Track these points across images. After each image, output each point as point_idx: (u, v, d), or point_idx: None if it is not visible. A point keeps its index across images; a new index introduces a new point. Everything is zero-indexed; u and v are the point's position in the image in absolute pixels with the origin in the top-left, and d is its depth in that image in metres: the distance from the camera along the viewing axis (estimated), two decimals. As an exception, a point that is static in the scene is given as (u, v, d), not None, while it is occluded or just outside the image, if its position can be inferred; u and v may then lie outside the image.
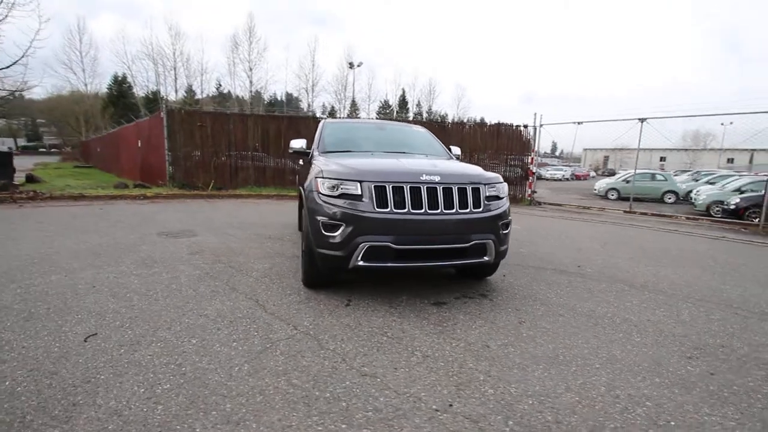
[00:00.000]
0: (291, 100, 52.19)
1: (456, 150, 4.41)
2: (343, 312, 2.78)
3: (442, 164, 3.25)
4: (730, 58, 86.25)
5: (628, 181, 15.82)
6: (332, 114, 39.31)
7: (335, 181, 2.82)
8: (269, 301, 2.96)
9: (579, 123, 11.52)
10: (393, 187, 2.74)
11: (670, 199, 15.96)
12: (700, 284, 3.85)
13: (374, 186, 2.74)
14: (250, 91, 40.31)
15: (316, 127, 4.59)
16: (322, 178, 2.88)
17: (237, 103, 38.94)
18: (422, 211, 2.74)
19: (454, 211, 2.81)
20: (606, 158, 52.88)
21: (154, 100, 32.05)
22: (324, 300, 2.99)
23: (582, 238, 6.32)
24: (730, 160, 39.87)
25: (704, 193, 12.94)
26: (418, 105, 52.84)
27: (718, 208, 11.36)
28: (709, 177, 17.36)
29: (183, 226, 6.01)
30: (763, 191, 10.67)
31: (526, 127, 12.34)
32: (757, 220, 9.43)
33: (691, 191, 14.94)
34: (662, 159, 45.64)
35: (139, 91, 38.48)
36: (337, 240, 2.73)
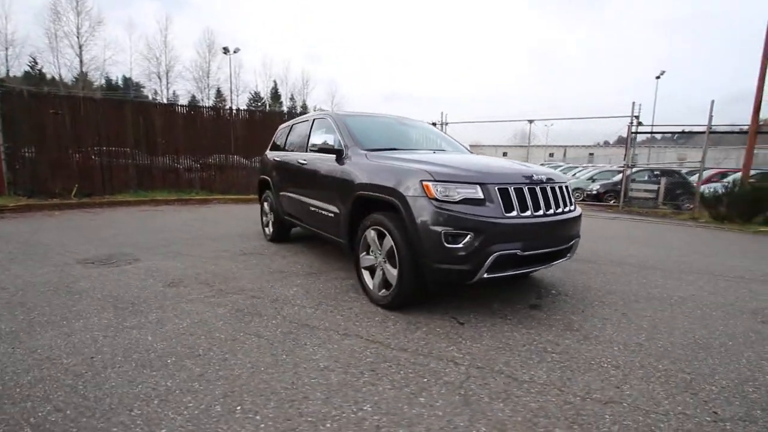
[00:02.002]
0: (131, 86, 44.16)
1: (467, 146, 4.36)
2: (470, 333, 2.45)
3: (520, 164, 3.14)
4: (547, 68, 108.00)
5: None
6: (195, 103, 34.62)
7: (453, 185, 2.44)
8: (370, 332, 2.40)
9: (483, 122, 12.77)
10: (515, 189, 2.52)
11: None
12: (670, 260, 4.70)
13: (498, 188, 2.47)
14: (82, 72, 32.42)
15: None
16: (435, 181, 2.46)
17: (62, 87, 30.88)
18: (542, 213, 2.60)
19: (562, 210, 2.75)
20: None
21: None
22: (427, 322, 2.59)
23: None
24: (551, 155, 50.04)
25: (564, 181, 15.97)
26: (292, 99, 50.95)
27: (577, 194, 14.15)
28: (558, 169, 21.49)
29: (99, 248, 4.47)
30: (612, 178, 13.76)
31: (435, 125, 13.09)
32: (612, 201, 12.12)
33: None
34: (505, 154, 54.52)
35: None
36: (463, 252, 2.37)
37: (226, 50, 31.59)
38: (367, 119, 3.95)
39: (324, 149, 3.39)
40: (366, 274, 3.00)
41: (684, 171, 12.79)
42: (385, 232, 2.71)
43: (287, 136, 4.83)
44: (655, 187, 11.27)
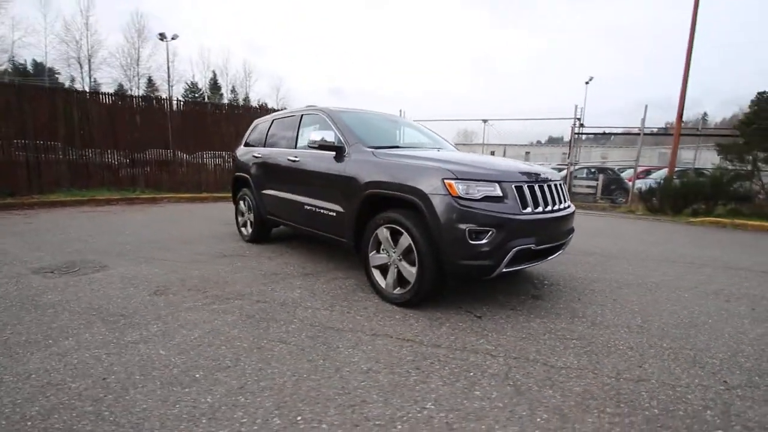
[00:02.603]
0: (44, 71, 39.30)
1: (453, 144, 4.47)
2: (491, 326, 2.53)
3: (522, 162, 3.28)
4: (489, 71, 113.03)
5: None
6: (122, 92, 31.56)
7: (474, 183, 2.50)
8: (397, 331, 2.39)
9: (442, 120, 13.13)
10: (527, 186, 2.65)
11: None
12: (629, 250, 5.20)
13: (515, 186, 2.57)
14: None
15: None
16: (457, 179, 2.49)
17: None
18: (549, 209, 2.75)
19: (562, 206, 2.93)
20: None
21: None
22: (446, 318, 2.63)
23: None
24: (492, 153, 52.78)
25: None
26: (233, 91, 48.41)
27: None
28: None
29: (53, 255, 3.97)
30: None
31: (394, 122, 13.21)
32: (558, 196, 13.06)
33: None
34: (450, 151, 56.51)
35: None
36: (486, 248, 2.45)
37: (162, 36, 29.08)
38: (361, 115, 3.89)
39: (324, 146, 3.29)
40: (376, 273, 2.97)
41: (617, 168, 14.16)
42: (401, 231, 2.70)
43: (267, 131, 4.60)
44: (594, 183, 12.37)
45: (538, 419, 1.62)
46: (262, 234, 4.72)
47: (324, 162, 3.44)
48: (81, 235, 5.02)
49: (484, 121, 12.82)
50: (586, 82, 28.97)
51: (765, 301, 3.12)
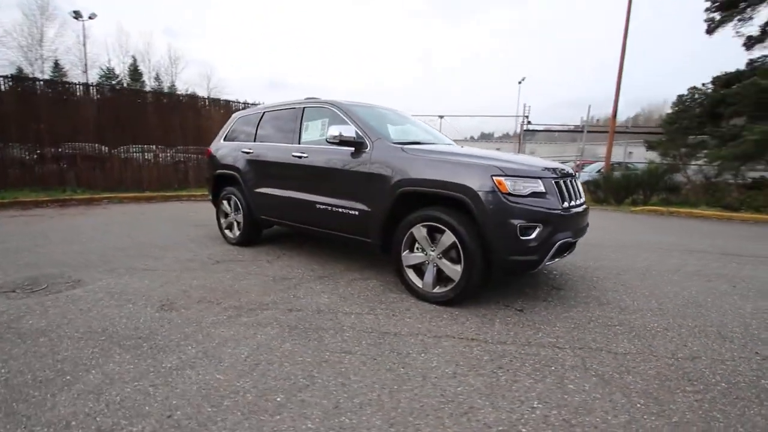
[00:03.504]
0: None
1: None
2: (538, 318, 2.60)
3: (543, 160, 3.37)
4: (434, 67, 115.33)
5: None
6: (22, 75, 27.35)
7: (521, 179, 2.53)
8: (457, 331, 2.36)
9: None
10: (562, 182, 2.74)
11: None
12: (605, 238, 5.65)
13: (553, 182, 2.65)
14: None
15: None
16: (506, 176, 2.50)
17: None
18: (575, 203, 2.88)
19: (583, 200, 3.09)
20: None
21: None
22: (491, 314, 2.65)
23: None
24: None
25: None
26: (158, 78, 44.22)
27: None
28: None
29: (5, 272, 3.33)
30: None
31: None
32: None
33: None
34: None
35: None
36: (534, 243, 2.49)
37: (77, 15, 25.46)
38: (373, 109, 3.74)
39: (345, 142, 3.12)
40: (410, 273, 2.90)
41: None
42: (442, 228, 2.66)
43: (257, 125, 4.25)
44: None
45: (638, 405, 1.70)
46: (253, 236, 4.37)
47: (339, 158, 3.26)
48: (25, 244, 4.26)
49: (440, 116, 13.10)
50: (519, 82, 30.99)
51: (738, 279, 3.58)
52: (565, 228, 2.65)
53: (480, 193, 2.50)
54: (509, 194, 2.48)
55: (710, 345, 2.27)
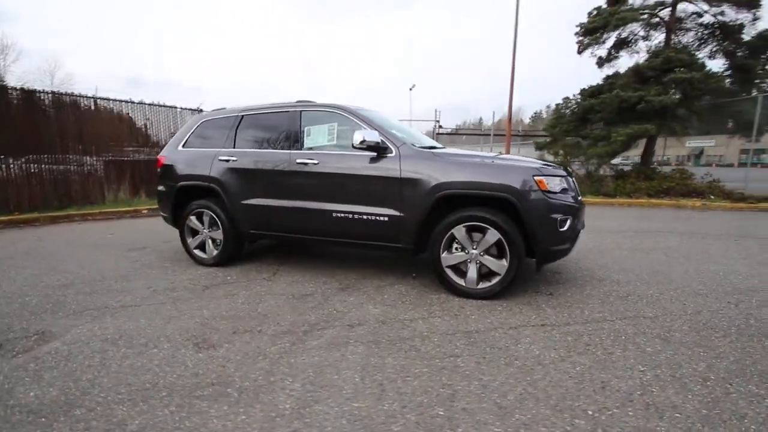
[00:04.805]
0: None
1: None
2: (573, 300, 2.92)
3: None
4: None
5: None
6: None
7: (554, 178, 2.83)
8: (522, 321, 2.54)
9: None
10: (571, 179, 3.14)
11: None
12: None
13: (568, 179, 3.03)
14: None
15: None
16: (543, 176, 2.77)
17: None
18: (580, 197, 3.32)
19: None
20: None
21: None
22: (535, 300, 2.91)
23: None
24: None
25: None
26: (-23, 71, 34.85)
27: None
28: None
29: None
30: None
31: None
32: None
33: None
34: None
35: None
36: (568, 233, 2.83)
37: None
38: (380, 114, 3.69)
39: (372, 147, 3.05)
40: (450, 272, 2.99)
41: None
42: (485, 227, 2.83)
43: (235, 130, 3.81)
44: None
45: (700, 353, 2.11)
46: (235, 254, 3.91)
47: (361, 164, 3.17)
48: None
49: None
50: (410, 89, 33.01)
51: (665, 250, 4.54)
52: (580, 219, 3.06)
53: (525, 192, 2.74)
54: (548, 191, 2.76)
55: (698, 301, 2.89)
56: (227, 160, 3.70)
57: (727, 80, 10.37)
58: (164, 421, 1.59)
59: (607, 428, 1.54)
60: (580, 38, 11.66)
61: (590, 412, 1.63)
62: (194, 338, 2.36)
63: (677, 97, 9.60)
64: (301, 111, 3.55)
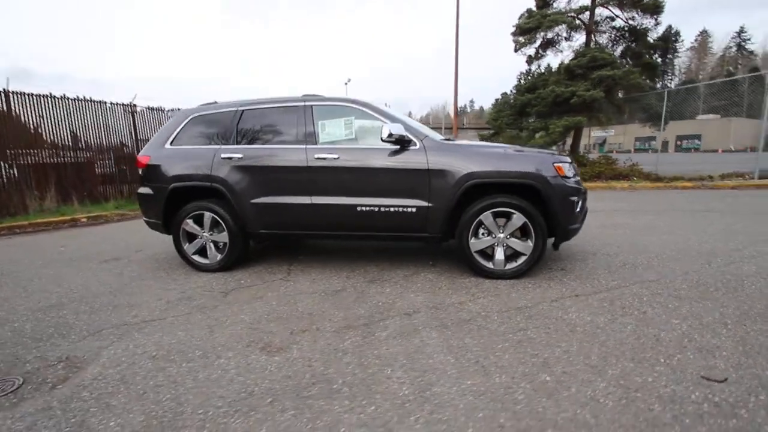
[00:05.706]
0: None
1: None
2: (591, 267, 3.27)
3: None
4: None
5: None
6: None
7: (566, 164, 3.12)
8: (569, 293, 2.80)
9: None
10: (574, 165, 3.49)
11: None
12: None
13: (573, 165, 3.36)
14: None
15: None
16: (562, 162, 3.05)
17: None
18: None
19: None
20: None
21: None
22: (553, 275, 3.19)
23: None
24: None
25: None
26: None
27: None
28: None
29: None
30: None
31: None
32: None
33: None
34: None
35: None
36: (581, 214, 3.18)
37: None
38: (389, 108, 3.73)
39: (400, 140, 3.10)
40: (477, 257, 3.17)
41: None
42: (511, 212, 3.05)
43: (236, 126, 3.58)
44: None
45: (710, 305, 2.52)
46: (242, 254, 3.70)
47: (385, 157, 3.20)
48: None
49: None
50: (345, 83, 32.93)
51: (632, 226, 5.21)
52: (586, 200, 3.43)
53: (549, 178, 3.00)
54: (566, 177, 3.06)
55: (680, 265, 3.41)
56: (231, 158, 3.48)
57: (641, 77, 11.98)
58: (294, 425, 1.54)
59: (682, 370, 1.81)
60: (517, 38, 12.58)
61: (662, 360, 1.90)
62: (255, 343, 2.25)
63: (602, 92, 10.87)
64: (312, 105, 3.45)
